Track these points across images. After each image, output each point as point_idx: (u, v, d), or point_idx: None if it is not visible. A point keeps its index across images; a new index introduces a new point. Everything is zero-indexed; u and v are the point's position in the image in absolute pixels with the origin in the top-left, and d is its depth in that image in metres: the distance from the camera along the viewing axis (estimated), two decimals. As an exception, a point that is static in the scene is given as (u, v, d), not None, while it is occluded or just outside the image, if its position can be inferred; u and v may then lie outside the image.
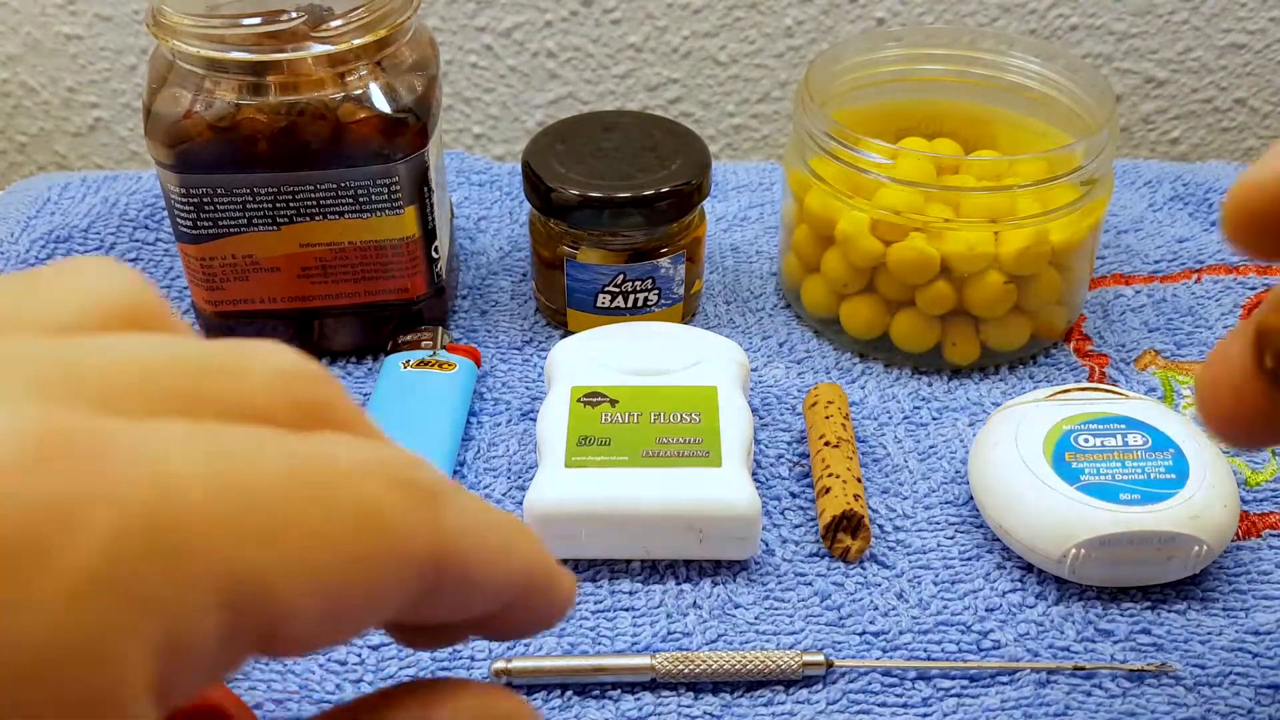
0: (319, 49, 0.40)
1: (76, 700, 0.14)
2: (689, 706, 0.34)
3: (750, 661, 0.34)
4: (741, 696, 0.34)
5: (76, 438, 0.14)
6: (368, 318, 0.45)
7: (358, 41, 0.40)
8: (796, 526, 0.39)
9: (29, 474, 0.13)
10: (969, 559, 0.38)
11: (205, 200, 0.42)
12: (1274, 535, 0.39)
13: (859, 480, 0.39)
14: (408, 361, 0.44)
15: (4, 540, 0.13)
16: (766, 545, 0.39)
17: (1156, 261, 0.52)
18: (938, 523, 0.39)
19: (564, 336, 0.47)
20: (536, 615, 0.19)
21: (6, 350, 0.16)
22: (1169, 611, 0.36)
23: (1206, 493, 0.35)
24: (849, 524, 0.38)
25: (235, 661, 0.15)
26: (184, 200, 0.42)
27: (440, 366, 0.44)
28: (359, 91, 0.41)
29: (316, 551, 0.16)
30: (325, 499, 0.16)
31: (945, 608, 0.36)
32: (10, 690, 0.13)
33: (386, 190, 0.42)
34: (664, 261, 0.45)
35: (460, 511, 0.17)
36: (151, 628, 0.14)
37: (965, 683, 0.34)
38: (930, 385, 0.45)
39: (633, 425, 0.39)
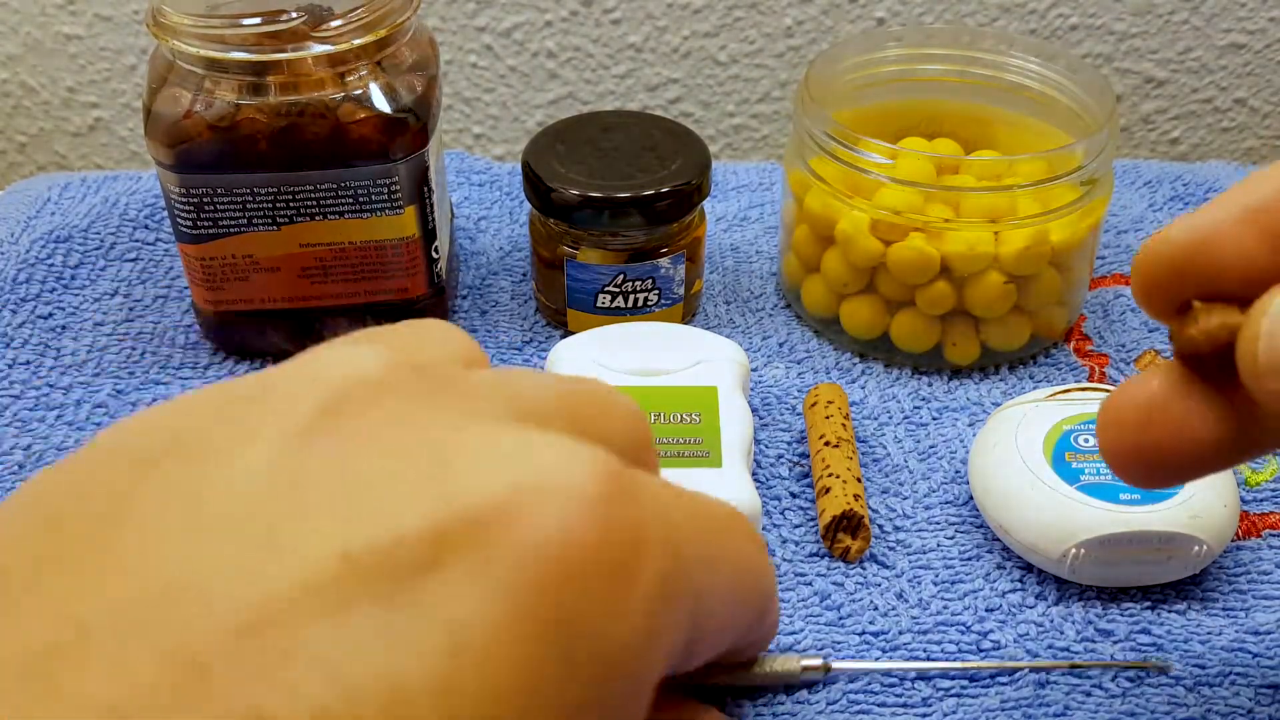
0: (319, 49, 0.40)
1: (641, 686, 0.17)
2: (689, 706, 0.34)
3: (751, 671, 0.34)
4: (741, 697, 0.34)
5: (624, 476, 0.18)
6: (368, 318, 0.45)
7: (358, 41, 0.40)
8: (796, 526, 0.39)
9: (612, 506, 0.17)
10: (969, 559, 0.38)
11: (205, 200, 0.42)
12: (1274, 535, 0.39)
13: (859, 480, 0.39)
14: (408, 361, 0.44)
15: (608, 561, 0.17)
16: (767, 545, 0.39)
17: (1156, 261, 0.51)
18: (938, 523, 0.39)
19: (564, 336, 0.47)
20: (763, 639, 0.22)
21: (470, 381, 0.20)
22: (1169, 611, 0.36)
23: (1206, 492, 0.35)
24: (849, 524, 0.38)
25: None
26: (184, 200, 0.42)
27: (440, 366, 0.44)
28: (359, 91, 0.41)
29: (733, 583, 0.20)
30: (739, 542, 0.21)
31: (945, 608, 0.36)
32: (603, 684, 0.16)
33: (386, 190, 0.42)
34: (664, 261, 0.45)
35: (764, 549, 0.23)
36: (682, 626, 0.18)
37: (965, 683, 0.34)
38: (930, 385, 0.45)
39: (633, 425, 0.39)
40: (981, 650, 0.35)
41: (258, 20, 0.39)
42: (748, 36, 0.72)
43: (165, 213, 0.43)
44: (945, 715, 0.33)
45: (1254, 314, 0.20)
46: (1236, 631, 0.35)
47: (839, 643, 0.35)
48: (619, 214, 0.43)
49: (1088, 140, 0.43)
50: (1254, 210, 0.20)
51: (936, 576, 0.37)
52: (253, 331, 0.45)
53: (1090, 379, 0.46)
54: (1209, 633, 0.35)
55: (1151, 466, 0.22)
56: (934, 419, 0.44)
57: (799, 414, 0.44)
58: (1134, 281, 0.22)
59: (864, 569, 0.38)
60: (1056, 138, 0.47)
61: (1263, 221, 0.20)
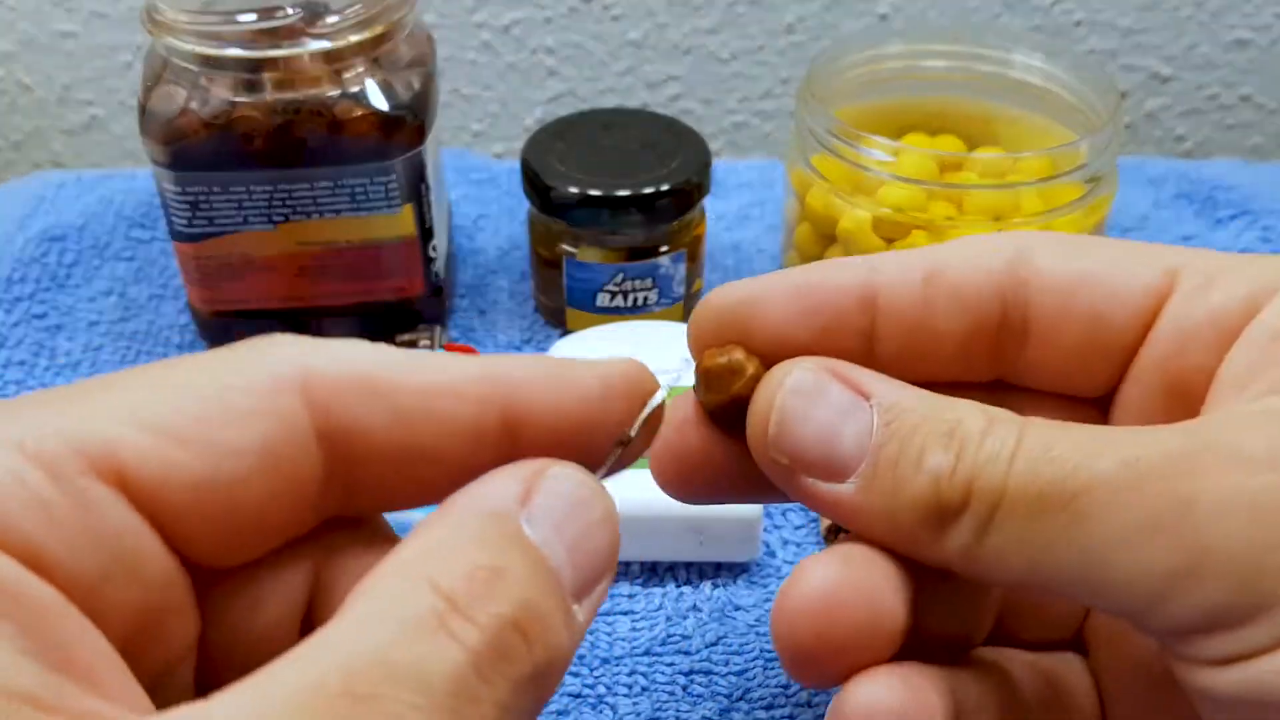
0: (315, 46, 0.39)
1: None
2: (687, 712, 0.33)
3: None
4: (740, 700, 0.33)
5: None
6: (364, 317, 0.45)
7: (354, 38, 0.40)
8: (798, 528, 0.39)
9: None
10: (973, 561, 0.38)
11: (201, 198, 0.41)
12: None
13: (861, 482, 0.39)
14: (405, 361, 0.43)
15: None
16: (768, 547, 0.38)
17: (1161, 260, 0.51)
18: (941, 524, 0.39)
19: (563, 336, 0.47)
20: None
21: None
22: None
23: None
24: (851, 526, 0.37)
25: None
26: (179, 198, 0.41)
27: (438, 366, 0.43)
28: (356, 89, 0.40)
29: None
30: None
31: (949, 611, 0.36)
32: None
33: (383, 188, 0.42)
34: (664, 260, 0.45)
35: None
36: None
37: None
38: (933, 385, 0.45)
39: (632, 426, 0.38)
40: (985, 654, 0.34)
41: (253, 16, 0.39)
42: (749, 33, 0.71)
43: (161, 211, 0.43)
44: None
45: (772, 377, 0.22)
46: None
47: (841, 646, 0.35)
48: (618, 212, 0.43)
49: (1092, 137, 0.43)
50: (800, 286, 0.23)
51: (940, 579, 0.37)
52: (248, 331, 0.45)
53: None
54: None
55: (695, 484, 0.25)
56: (937, 419, 0.43)
57: (800, 414, 0.43)
58: (688, 329, 0.24)
59: (866, 571, 0.37)
60: (1060, 134, 0.46)
61: (806, 299, 0.23)
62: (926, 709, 0.20)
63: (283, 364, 0.19)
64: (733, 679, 0.34)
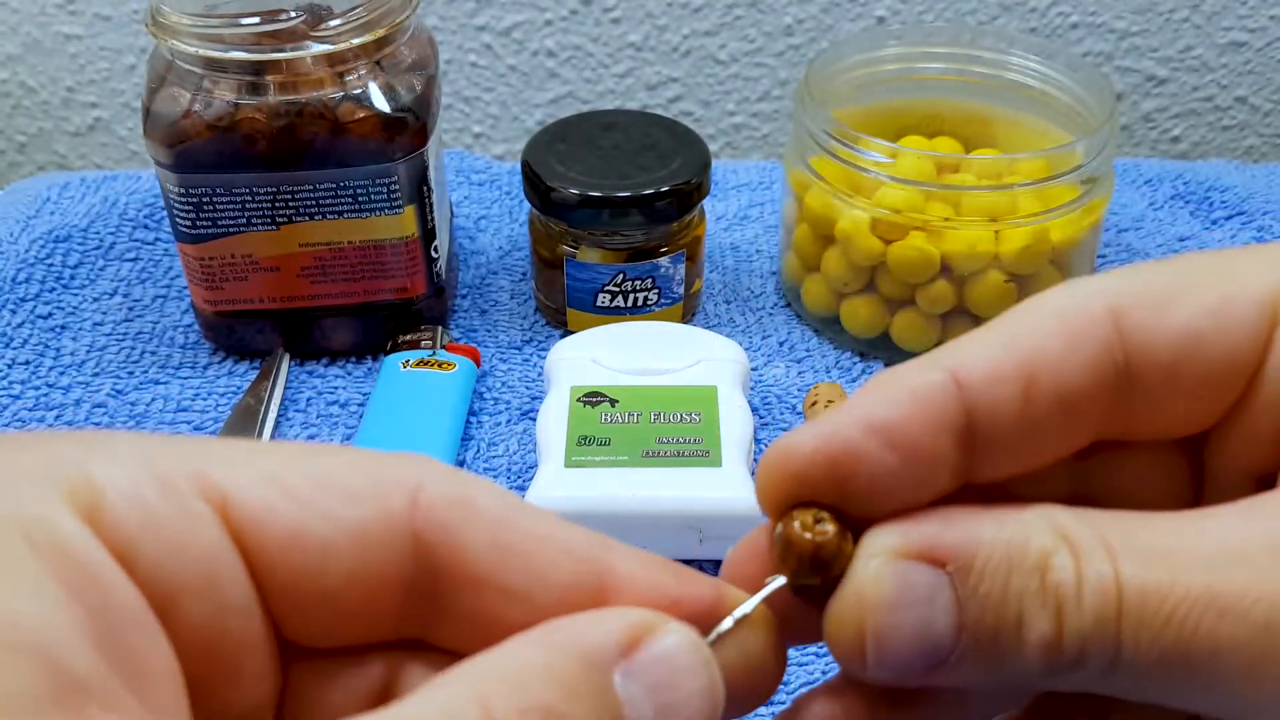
0: (318, 48, 0.40)
1: None
2: (689, 706, 0.33)
3: None
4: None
5: None
6: (367, 317, 0.45)
7: (357, 41, 0.40)
8: (797, 526, 0.39)
9: None
10: (969, 558, 0.38)
11: (204, 200, 0.42)
12: None
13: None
14: (407, 361, 0.44)
15: None
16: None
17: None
18: (938, 522, 0.39)
19: (564, 336, 0.47)
20: None
21: None
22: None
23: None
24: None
25: None
26: (183, 200, 0.42)
27: (440, 366, 0.43)
28: (358, 91, 0.41)
29: None
30: None
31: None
32: None
33: (386, 190, 0.42)
34: (664, 261, 0.45)
35: None
36: None
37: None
38: (930, 384, 0.45)
39: (633, 425, 0.39)
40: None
41: (256, 19, 0.39)
42: (748, 35, 0.72)
43: (164, 212, 0.43)
44: None
45: (855, 585, 0.19)
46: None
47: (839, 642, 0.35)
48: (619, 213, 0.43)
49: (1088, 139, 0.43)
50: (890, 433, 0.19)
51: (937, 576, 0.37)
52: (252, 331, 0.45)
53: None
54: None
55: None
56: (934, 418, 0.44)
57: (799, 413, 0.44)
58: (759, 484, 0.21)
59: (864, 568, 0.38)
60: (1057, 136, 0.47)
61: (898, 446, 0.19)
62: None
63: (401, 469, 0.19)
64: (732, 674, 0.34)
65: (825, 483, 0.20)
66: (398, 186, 0.42)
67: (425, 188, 0.43)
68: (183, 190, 0.41)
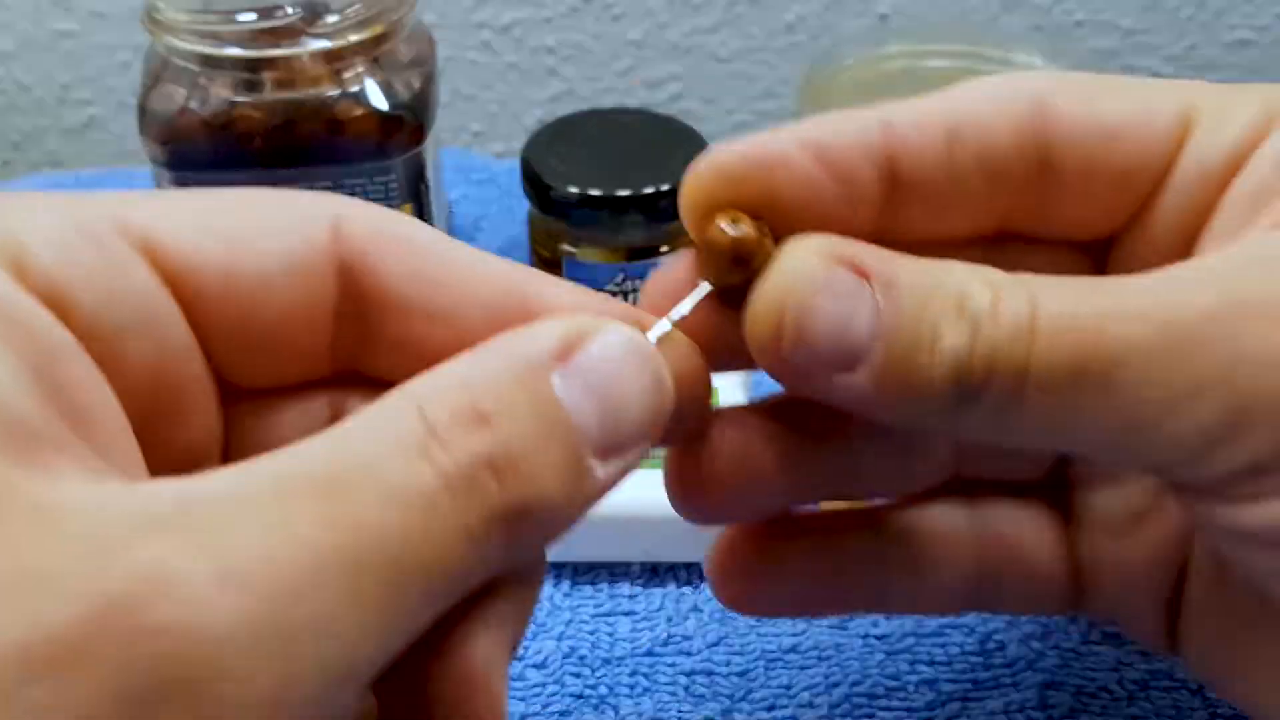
0: (315, 45, 0.40)
1: None
2: (689, 713, 0.33)
3: None
4: (741, 701, 0.33)
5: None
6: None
7: (354, 38, 0.40)
8: (798, 528, 0.39)
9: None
10: (973, 561, 0.38)
11: (200, 198, 0.41)
12: None
13: (862, 481, 0.39)
14: (405, 361, 0.43)
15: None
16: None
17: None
18: (941, 524, 0.39)
19: (563, 336, 0.47)
20: None
21: None
22: (1176, 615, 0.36)
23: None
24: (852, 526, 0.37)
25: None
26: (178, 198, 0.41)
27: (438, 366, 0.43)
28: (355, 88, 0.40)
29: None
30: None
31: (949, 611, 0.36)
32: None
33: (383, 188, 0.42)
34: (664, 260, 0.45)
35: None
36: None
37: (969, 686, 0.34)
38: (933, 385, 0.45)
39: (633, 426, 0.38)
40: (986, 653, 0.35)
41: (253, 16, 0.39)
42: (749, 33, 0.71)
43: (160, 211, 0.43)
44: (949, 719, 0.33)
45: (781, 270, 0.20)
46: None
47: (841, 645, 0.35)
48: (618, 212, 0.43)
49: (1093, 137, 0.42)
50: (818, 148, 0.21)
51: (940, 579, 0.37)
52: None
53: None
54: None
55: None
56: (937, 419, 0.43)
57: (801, 414, 0.44)
58: (684, 190, 0.22)
59: (867, 571, 0.37)
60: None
61: (824, 163, 0.21)
62: None
63: (317, 204, 0.20)
64: (734, 679, 0.34)
65: (752, 185, 0.21)
66: (395, 185, 0.42)
67: (423, 186, 0.43)
68: (178, 188, 0.41)
